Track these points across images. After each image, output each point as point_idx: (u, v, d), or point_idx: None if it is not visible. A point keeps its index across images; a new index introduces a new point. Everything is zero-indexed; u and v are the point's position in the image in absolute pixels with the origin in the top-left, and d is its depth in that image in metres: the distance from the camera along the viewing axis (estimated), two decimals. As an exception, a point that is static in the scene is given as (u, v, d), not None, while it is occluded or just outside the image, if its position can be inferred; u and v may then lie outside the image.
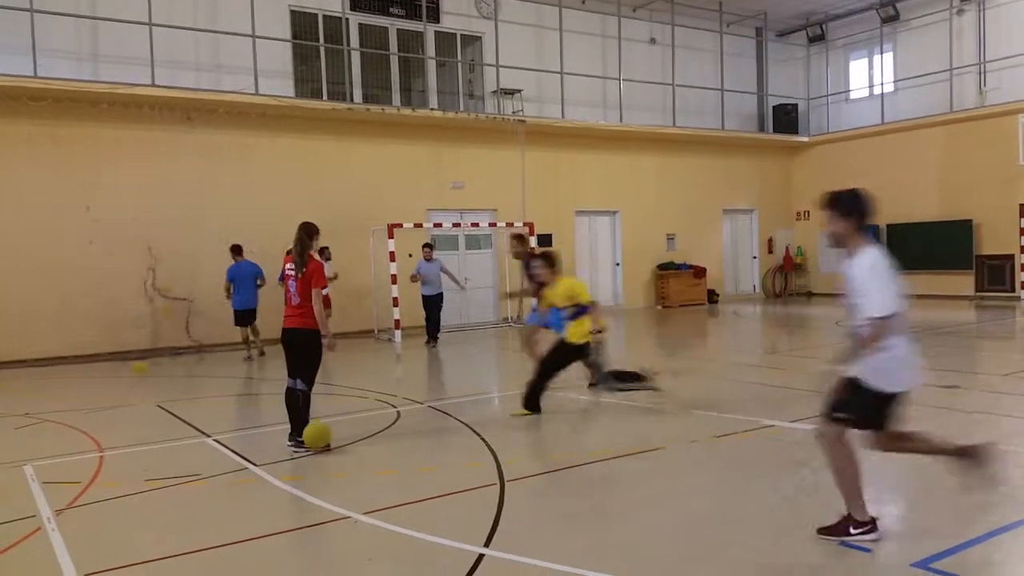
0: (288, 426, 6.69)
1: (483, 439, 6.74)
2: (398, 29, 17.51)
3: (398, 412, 7.82)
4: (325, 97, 16.32)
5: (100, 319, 13.82)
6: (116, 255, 13.98)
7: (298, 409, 6.62)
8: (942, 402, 7.70)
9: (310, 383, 6.71)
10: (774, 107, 23.22)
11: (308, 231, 6.87)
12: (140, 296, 14.19)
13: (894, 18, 21.39)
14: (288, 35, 16.03)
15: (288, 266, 6.78)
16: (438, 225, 16.49)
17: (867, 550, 4.09)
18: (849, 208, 4.41)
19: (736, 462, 6.00)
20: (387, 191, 16.47)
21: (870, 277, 4.34)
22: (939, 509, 4.82)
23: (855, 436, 4.29)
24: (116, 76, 13.77)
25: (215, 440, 7.12)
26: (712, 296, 21.56)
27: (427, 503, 5.11)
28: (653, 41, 21.01)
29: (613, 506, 5.01)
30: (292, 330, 6.66)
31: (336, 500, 5.15)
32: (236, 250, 13.11)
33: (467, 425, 7.34)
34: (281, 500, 5.39)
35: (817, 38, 23.38)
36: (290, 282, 6.71)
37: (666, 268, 20.95)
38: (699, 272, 21.22)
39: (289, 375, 6.73)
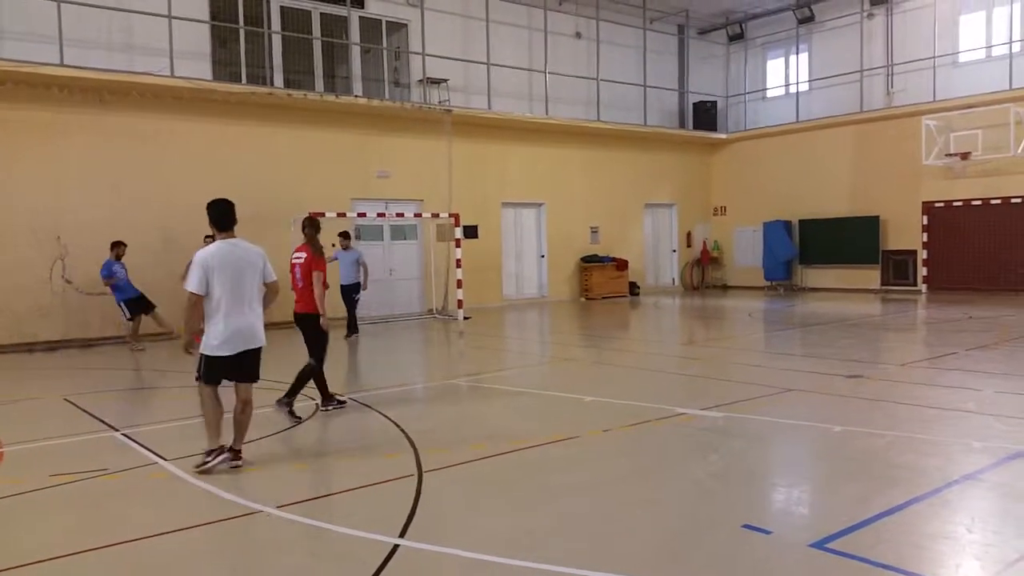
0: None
1: (402, 430, 6.74)
2: (321, 13, 17.20)
3: (316, 404, 7.74)
4: (244, 81, 15.92)
5: (2, 310, 13.18)
6: (22, 244, 13.35)
7: (301, 378, 7.41)
8: (843, 390, 8.10)
9: (319, 360, 7.50)
10: (694, 104, 23.80)
11: (316, 225, 7.79)
12: (46, 286, 13.59)
13: (809, 19, 22.17)
14: (206, 16, 15.55)
15: (296, 255, 7.60)
16: (363, 215, 16.31)
17: (768, 532, 4.29)
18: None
19: (649, 449, 6.17)
20: (310, 179, 16.19)
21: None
22: (836, 492, 5.07)
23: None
24: (21, 54, 13.11)
25: (124, 434, 6.91)
26: (633, 288, 22.00)
27: (343, 495, 5.10)
28: (578, 35, 21.23)
29: (530, 494, 5.09)
30: (298, 314, 7.56)
31: (249, 494, 5.08)
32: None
33: (387, 417, 7.32)
34: (192, 495, 5.28)
35: (736, 37, 24.06)
36: (296, 269, 7.53)
37: (590, 261, 21.26)
38: (621, 265, 21.62)
39: (309, 352, 7.54)
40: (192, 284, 5.52)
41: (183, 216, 14.15)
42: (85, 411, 8.01)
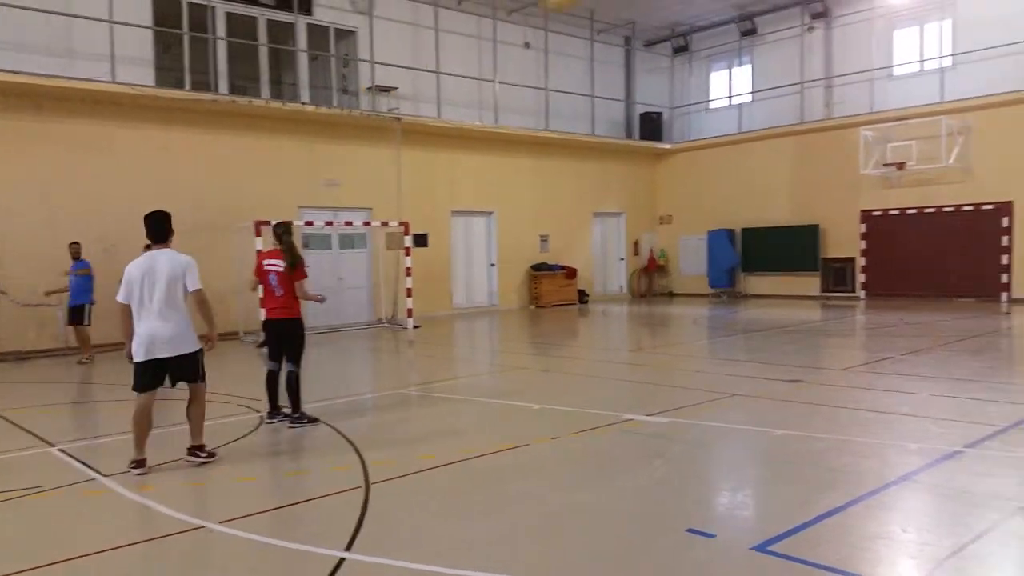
0: (269, 407, 7.51)
1: (350, 442, 6.68)
2: (268, 20, 17.00)
3: (261, 417, 7.62)
4: (188, 87, 15.63)
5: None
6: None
7: (293, 389, 7.36)
8: (784, 395, 8.29)
9: (299, 364, 7.47)
10: (641, 114, 24.18)
11: (290, 228, 7.66)
12: (-22, 296, 13.11)
13: (752, 32, 22.73)
14: (149, 21, 15.24)
15: (269, 261, 7.46)
16: (310, 223, 16.12)
17: (711, 535, 4.36)
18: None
19: (596, 456, 6.22)
20: (256, 187, 15.95)
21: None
22: (778, 495, 5.18)
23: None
24: (-50, 57, 12.69)
25: (60, 450, 6.70)
26: (582, 296, 22.18)
27: (288, 509, 5.03)
28: (527, 45, 21.39)
29: (477, 504, 5.09)
30: (279, 320, 7.40)
31: (190, 509, 4.97)
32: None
33: (334, 428, 7.25)
34: (130, 511, 5.15)
35: (681, 49, 24.53)
36: (271, 276, 7.39)
37: (539, 269, 21.38)
38: (571, 273, 21.78)
39: (272, 359, 7.48)
40: (118, 295, 5.97)
41: (124, 225, 13.76)
42: (19, 426, 7.74)
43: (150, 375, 5.94)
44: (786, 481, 5.43)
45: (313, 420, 7.44)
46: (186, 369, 6.03)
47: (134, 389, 5.97)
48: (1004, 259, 18.17)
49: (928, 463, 5.59)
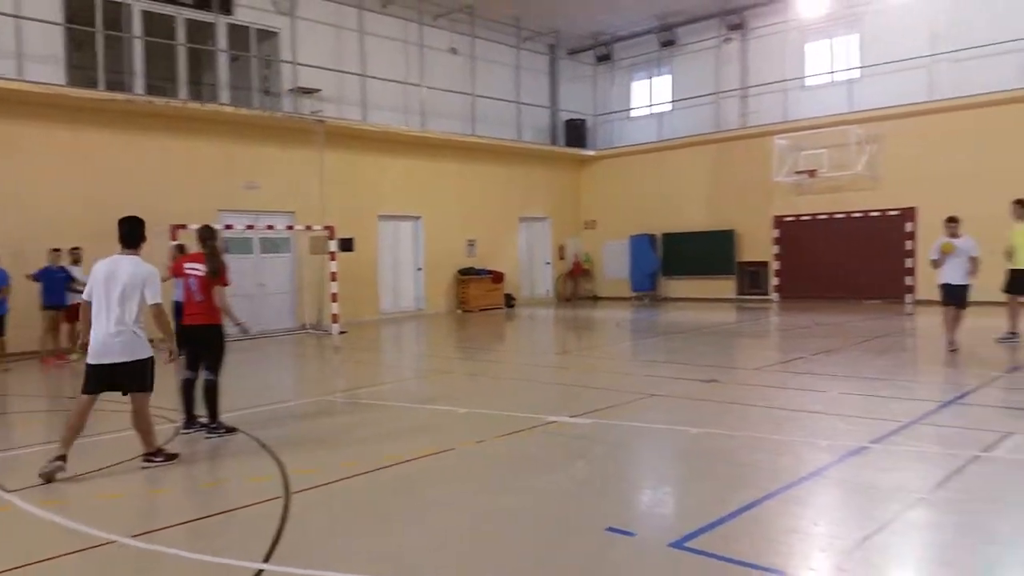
0: (184, 416, 7.34)
1: (270, 451, 6.55)
2: (186, 19, 16.53)
3: (177, 428, 7.39)
4: (102, 87, 15.05)
5: None
6: None
7: (211, 398, 7.14)
8: (701, 394, 8.53)
9: (218, 372, 7.24)
10: (565, 121, 24.49)
11: (214, 233, 7.50)
12: None
13: (671, 43, 23.30)
14: (60, 18, 14.62)
15: (189, 265, 7.28)
16: (230, 227, 15.73)
17: (631, 533, 4.46)
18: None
19: (520, 458, 6.27)
20: (174, 190, 15.46)
21: None
22: (695, 492, 5.33)
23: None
24: None
25: (-41, 466, 6.36)
26: (509, 300, 22.29)
27: (205, 521, 4.90)
28: (454, 51, 21.38)
29: (401, 511, 5.06)
30: (198, 326, 7.15)
31: (101, 524, 4.78)
32: None
33: (254, 438, 7.09)
34: (36, 527, 4.92)
35: (604, 58, 24.97)
36: (191, 280, 7.21)
37: (467, 273, 21.39)
38: (498, 277, 21.87)
39: (189, 367, 7.26)
40: (84, 291, 6.12)
41: (34, 229, 13.24)
42: (-88, 442, 7.31)
43: (96, 379, 5.96)
44: (703, 478, 5.59)
45: (231, 430, 7.25)
46: (133, 377, 6.01)
47: (82, 389, 6.02)
48: (908, 263, 19.09)
49: (837, 459, 5.83)
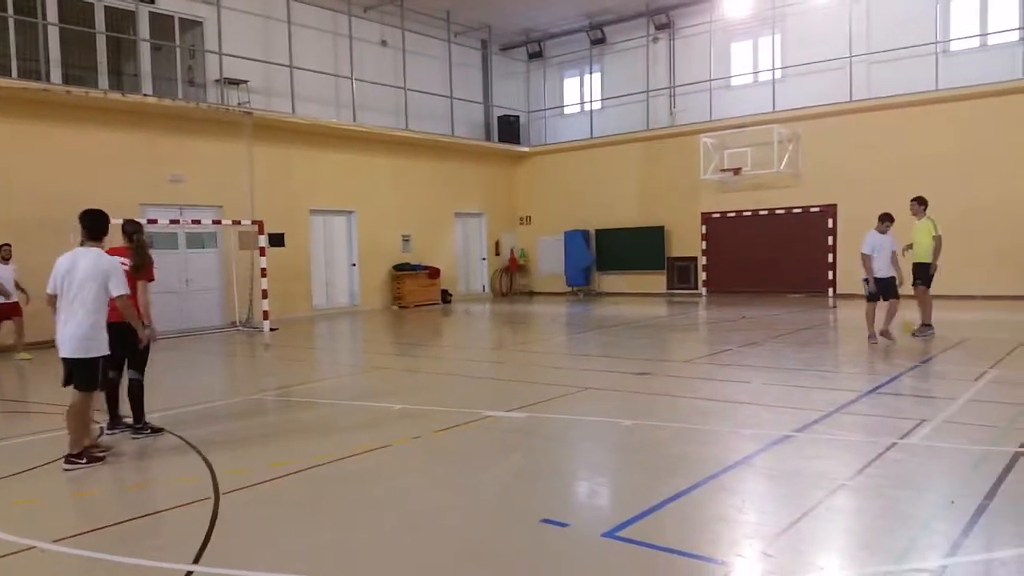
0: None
1: (198, 451, 6.39)
2: (106, 7, 15.91)
3: (101, 428, 7.15)
4: (15, 75, 14.38)
5: None
6: None
7: (136, 397, 6.97)
8: (633, 387, 8.69)
9: (143, 370, 7.06)
10: (499, 117, 24.54)
11: (140, 227, 7.30)
12: None
13: (601, 41, 23.57)
14: (-36, 1, 13.92)
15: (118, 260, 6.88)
16: (153, 221, 15.22)
17: (565, 524, 4.52)
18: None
19: (456, 454, 6.28)
20: (93, 182, 14.85)
21: None
22: (626, 483, 5.44)
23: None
24: None
25: None
26: (445, 296, 22.24)
27: (131, 523, 4.75)
28: (384, 43, 21.19)
29: (335, 509, 5.02)
30: (122, 323, 6.61)
31: (19, 529, 4.59)
32: None
33: (181, 438, 6.90)
34: (-51, 536, 4.70)
35: (536, 55, 25.11)
36: None
37: (402, 269, 21.24)
38: (433, 273, 21.78)
39: (113, 367, 6.83)
40: (48, 285, 6.11)
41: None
42: None
43: (66, 372, 6.04)
44: (635, 469, 5.71)
45: (158, 430, 7.05)
46: (80, 374, 5.99)
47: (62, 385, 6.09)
48: (830, 258, 19.80)
49: (762, 447, 6.02)
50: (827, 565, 3.98)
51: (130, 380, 7.02)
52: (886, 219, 11.59)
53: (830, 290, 19.79)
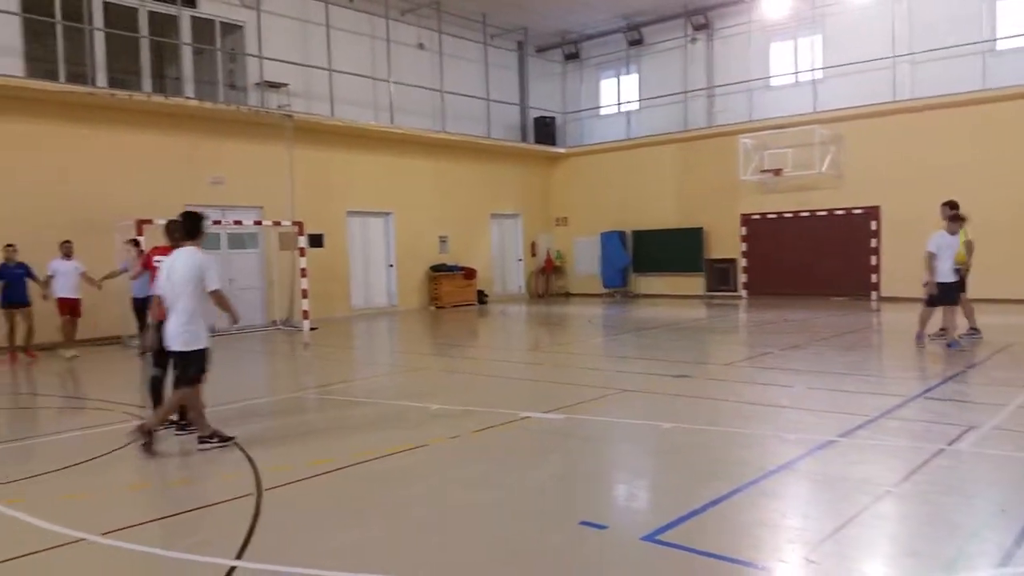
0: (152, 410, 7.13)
1: (241, 448, 6.48)
2: (149, 11, 16.25)
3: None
4: (63, 79, 14.75)
5: None
6: None
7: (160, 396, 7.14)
8: (672, 389, 8.61)
9: (165, 370, 7.15)
10: (535, 119, 24.51)
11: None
12: None
13: (638, 42, 23.43)
14: (17, 7, 14.29)
15: (158, 259, 7.17)
16: (195, 223, 15.48)
17: (604, 527, 4.49)
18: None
19: (493, 454, 6.28)
20: (138, 184, 15.23)
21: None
22: (666, 486, 5.39)
23: None
24: None
25: (-83, 466, 6.20)
26: (482, 296, 22.29)
27: (176, 518, 4.84)
28: (422, 46, 21.31)
29: (374, 506, 5.05)
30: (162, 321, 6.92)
31: (69, 522, 4.69)
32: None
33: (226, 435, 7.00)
34: (4, 525, 4.82)
35: (572, 56, 25.05)
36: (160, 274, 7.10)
37: (439, 269, 21.34)
38: (470, 273, 21.85)
39: (157, 364, 7.14)
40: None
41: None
42: None
43: (174, 365, 6.56)
44: (674, 472, 5.65)
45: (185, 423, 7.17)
46: (185, 365, 6.46)
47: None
48: (873, 260, 19.44)
49: (805, 452, 5.92)
50: (872, 572, 3.90)
51: (175, 377, 7.11)
52: (957, 219, 10.78)
53: (873, 293, 19.42)
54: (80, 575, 4.13)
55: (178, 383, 6.56)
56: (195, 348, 6.45)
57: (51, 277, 12.47)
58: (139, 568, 4.17)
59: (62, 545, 4.41)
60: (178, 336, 6.41)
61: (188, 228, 6.61)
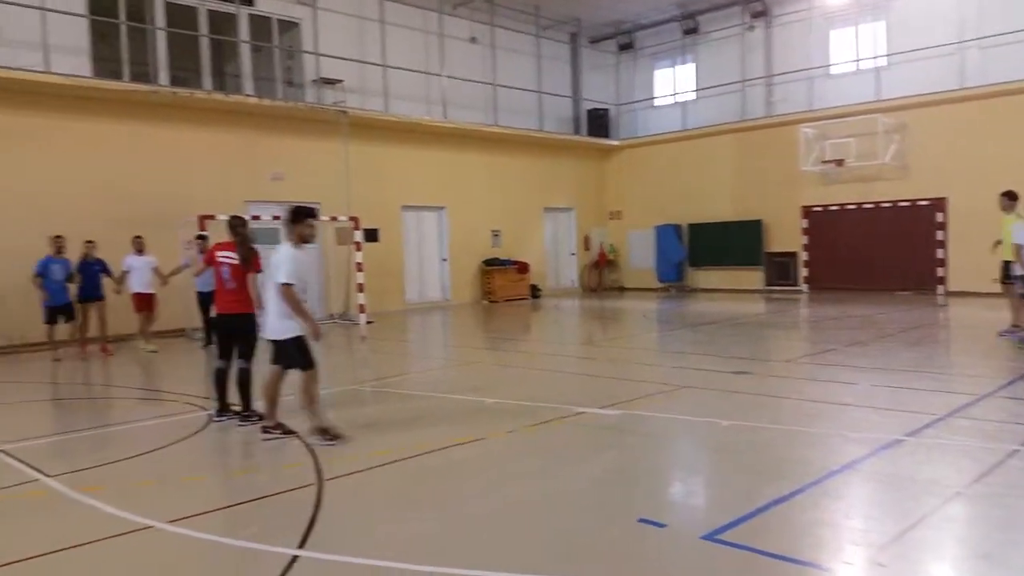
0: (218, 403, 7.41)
1: (302, 439, 6.60)
2: (209, 10, 16.62)
3: (210, 415, 7.47)
4: (127, 78, 15.19)
5: None
6: None
7: (244, 386, 7.25)
8: (731, 386, 8.47)
9: (251, 360, 7.32)
10: (588, 111, 24.33)
11: (245, 222, 7.68)
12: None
13: (694, 31, 23.05)
14: (84, 9, 14.76)
15: (223, 253, 7.32)
16: (256, 217, 15.79)
17: (663, 525, 4.44)
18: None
19: (549, 448, 6.27)
20: (199, 180, 15.61)
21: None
22: (726, 485, 5.30)
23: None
24: None
25: (1, 451, 6.46)
26: (535, 291, 22.27)
27: (239, 507, 4.95)
28: (474, 40, 21.33)
29: (434, 497, 5.08)
30: (230, 315, 7.26)
31: (138, 509, 4.84)
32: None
33: (286, 426, 7.14)
34: (75, 512, 5.00)
35: (626, 47, 24.78)
36: (224, 269, 7.26)
37: (491, 264, 21.40)
38: (523, 268, 21.85)
39: (221, 356, 7.31)
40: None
41: (64, 220, 13.38)
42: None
43: (271, 353, 6.76)
44: (734, 471, 5.55)
45: (264, 417, 7.32)
46: (281, 353, 6.65)
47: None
48: (939, 253, 18.81)
49: (870, 452, 5.76)
50: (943, 577, 3.78)
51: (239, 369, 7.30)
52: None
53: (940, 287, 18.80)
54: (150, 561, 4.25)
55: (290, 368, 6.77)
56: (286, 337, 6.55)
57: (126, 273, 12.81)
58: (205, 556, 4.27)
59: (132, 531, 4.55)
60: (270, 326, 6.61)
61: (292, 220, 6.65)
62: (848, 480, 5.23)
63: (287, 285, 6.36)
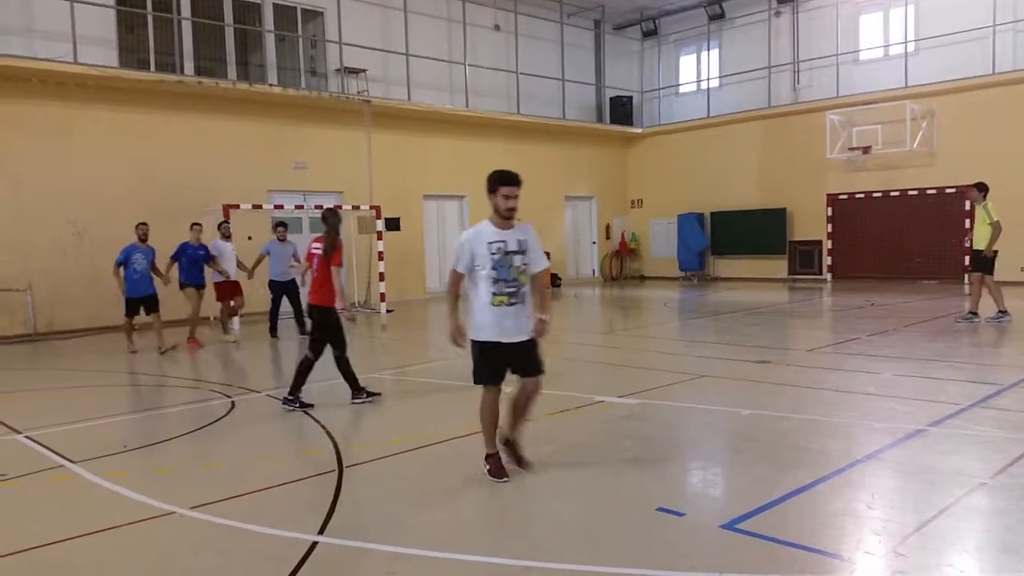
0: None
1: (322, 426, 6.66)
2: (233, 0, 16.71)
3: (233, 402, 7.57)
4: (153, 68, 15.33)
5: None
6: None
7: (346, 371, 7.56)
8: (753, 375, 8.41)
9: (342, 349, 7.50)
10: (611, 98, 24.17)
11: (336, 214, 7.70)
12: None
13: (720, 16, 22.80)
14: (112, 0, 14.90)
15: (315, 246, 7.54)
16: (280, 207, 15.93)
17: (681, 514, 4.42)
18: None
19: (568, 437, 6.26)
20: (224, 169, 15.75)
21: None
22: (746, 474, 5.26)
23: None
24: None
25: (27, 437, 6.59)
26: (555, 280, 22.23)
27: (260, 494, 5.00)
28: (497, 28, 21.26)
29: (451, 486, 5.11)
30: (311, 306, 7.50)
31: (161, 495, 4.92)
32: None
33: (307, 412, 7.21)
34: (98, 498, 5.09)
35: (650, 33, 24.55)
36: (315, 260, 7.51)
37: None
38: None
39: (310, 347, 7.46)
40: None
41: (92, 208, 13.58)
42: (-18, 415, 7.59)
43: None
44: (754, 460, 5.51)
45: (374, 394, 7.68)
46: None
47: None
48: (967, 242, 18.47)
49: (893, 441, 5.71)
50: (963, 567, 3.73)
51: (335, 359, 7.49)
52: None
53: (966, 277, 18.49)
54: (173, 546, 4.30)
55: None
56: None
57: (215, 258, 12.32)
58: (226, 541, 4.32)
59: (155, 517, 4.62)
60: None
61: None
62: (870, 470, 5.18)
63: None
